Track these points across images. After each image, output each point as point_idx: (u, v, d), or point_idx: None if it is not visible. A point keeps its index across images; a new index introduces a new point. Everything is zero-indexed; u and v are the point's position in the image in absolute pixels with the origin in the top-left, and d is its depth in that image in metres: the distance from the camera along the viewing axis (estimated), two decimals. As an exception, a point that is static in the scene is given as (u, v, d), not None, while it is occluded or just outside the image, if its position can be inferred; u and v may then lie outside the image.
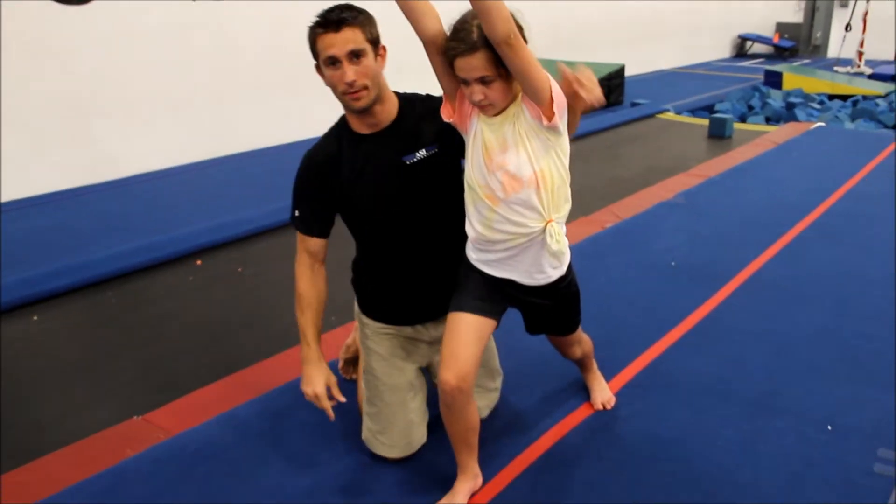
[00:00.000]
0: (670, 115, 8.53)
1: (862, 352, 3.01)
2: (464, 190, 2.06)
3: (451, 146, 2.16)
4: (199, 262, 4.23)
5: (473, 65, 1.84)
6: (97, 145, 5.73)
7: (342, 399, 2.20)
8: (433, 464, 2.35)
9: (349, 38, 2.01)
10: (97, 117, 5.69)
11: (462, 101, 1.99)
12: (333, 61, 2.03)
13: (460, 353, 2.05)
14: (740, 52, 15.92)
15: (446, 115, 2.04)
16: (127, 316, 3.64)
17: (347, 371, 2.83)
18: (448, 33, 1.88)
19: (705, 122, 7.96)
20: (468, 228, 2.09)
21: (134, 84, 5.89)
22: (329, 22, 2.02)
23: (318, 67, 2.11)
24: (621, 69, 9.17)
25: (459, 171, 2.15)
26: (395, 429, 2.33)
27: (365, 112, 2.11)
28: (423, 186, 2.19)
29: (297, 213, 2.25)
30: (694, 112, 9.17)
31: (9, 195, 5.23)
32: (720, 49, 15.41)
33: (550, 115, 1.87)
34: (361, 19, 2.05)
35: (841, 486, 2.23)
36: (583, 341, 2.52)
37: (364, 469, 2.34)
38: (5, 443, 2.67)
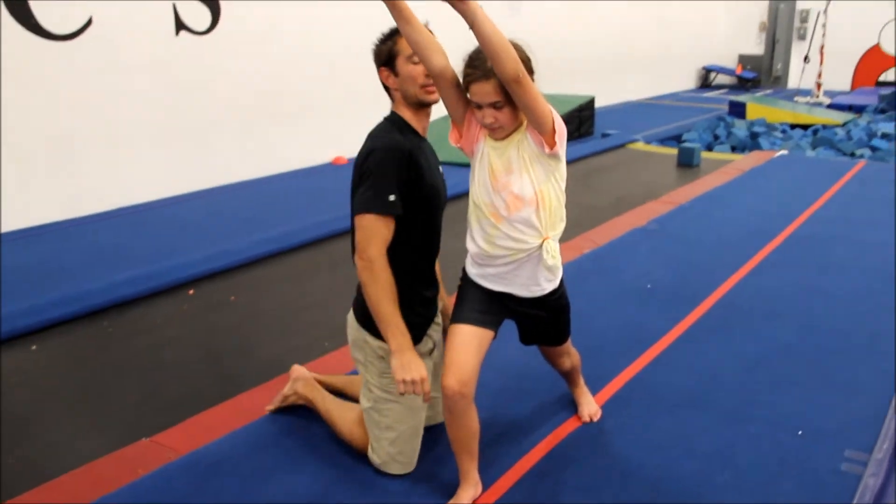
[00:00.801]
0: (640, 145, 8.84)
1: (827, 364, 3.25)
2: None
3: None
4: (191, 292, 4.37)
5: (487, 90, 2.08)
6: (83, 178, 5.84)
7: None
8: (434, 473, 2.51)
9: None
10: (82, 150, 5.81)
11: (469, 126, 2.22)
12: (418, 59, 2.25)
13: (462, 361, 2.23)
14: (705, 83, 16.45)
15: (453, 139, 2.27)
16: (125, 344, 3.76)
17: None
18: (463, 63, 2.12)
19: (674, 151, 8.28)
20: (469, 244, 2.30)
21: (119, 117, 6.02)
22: None
23: (387, 70, 2.36)
24: (591, 101, 9.49)
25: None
26: (412, 448, 2.48)
27: (428, 108, 2.39)
28: (446, 192, 2.50)
29: (391, 197, 2.23)
30: (663, 142, 9.51)
31: (-5, 228, 5.32)
32: (686, 80, 15.90)
33: (552, 144, 2.12)
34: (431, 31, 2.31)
35: (813, 483, 2.43)
36: (572, 354, 2.71)
37: (369, 481, 2.48)
38: (13, 467, 2.77)
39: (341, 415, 2.67)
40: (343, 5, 7.37)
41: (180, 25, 6.37)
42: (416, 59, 2.26)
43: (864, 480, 2.43)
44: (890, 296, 3.98)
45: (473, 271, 2.36)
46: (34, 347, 3.70)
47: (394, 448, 2.46)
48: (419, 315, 2.44)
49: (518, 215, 2.17)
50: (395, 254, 2.32)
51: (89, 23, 5.72)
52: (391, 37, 2.35)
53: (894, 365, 3.21)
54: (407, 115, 2.40)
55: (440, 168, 2.49)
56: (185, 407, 3.10)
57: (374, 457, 2.50)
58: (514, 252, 2.22)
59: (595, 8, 11.55)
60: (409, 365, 2.22)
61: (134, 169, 6.20)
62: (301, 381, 2.87)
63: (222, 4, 6.63)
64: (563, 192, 2.23)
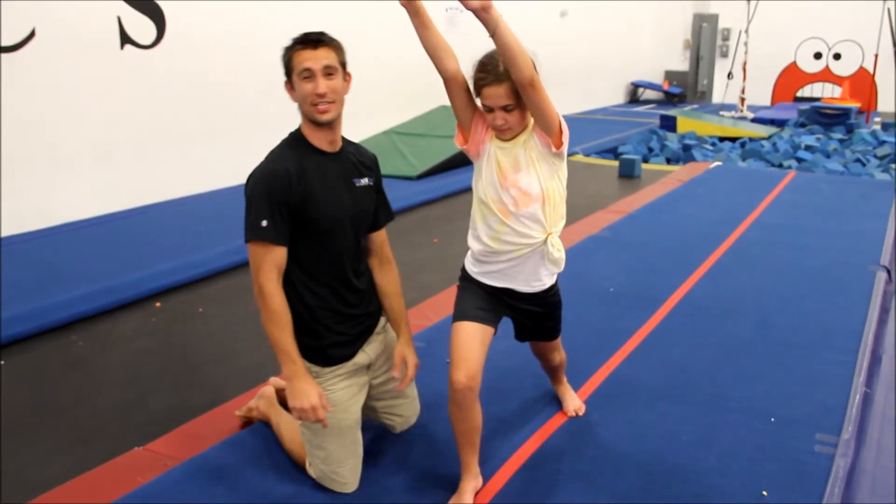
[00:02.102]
0: (581, 158, 9.14)
1: (789, 357, 3.49)
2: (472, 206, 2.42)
3: (376, 183, 2.57)
4: (158, 304, 4.37)
5: (499, 94, 2.23)
6: (24, 194, 5.73)
7: (330, 409, 2.36)
8: (434, 467, 2.62)
9: (324, 56, 2.31)
10: (24, 166, 5.69)
11: (475, 129, 2.36)
12: (309, 74, 2.29)
13: (469, 356, 2.35)
14: (633, 98, 17.01)
15: (459, 143, 2.41)
16: (98, 358, 3.74)
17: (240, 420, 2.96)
18: (474, 68, 2.27)
19: (614, 163, 8.60)
20: (473, 243, 2.43)
21: (60, 134, 5.94)
22: (308, 40, 2.31)
23: (288, 83, 2.37)
24: (530, 115, 9.71)
25: (380, 205, 2.58)
26: (347, 467, 2.48)
27: (326, 126, 2.37)
28: (364, 209, 2.51)
29: (264, 223, 2.26)
30: (600, 154, 9.84)
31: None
32: (615, 95, 16.41)
33: (559, 144, 2.28)
34: (336, 43, 2.37)
35: (790, 464, 2.64)
36: (560, 350, 2.86)
37: (370, 477, 2.56)
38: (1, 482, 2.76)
39: (288, 428, 2.71)
40: (288, 19, 7.44)
41: (125, 39, 6.33)
42: (305, 74, 2.29)
43: (836, 460, 2.65)
44: (832, 294, 4.28)
45: (475, 269, 2.48)
46: (2, 363, 3.65)
47: (326, 466, 2.47)
48: (343, 334, 2.48)
49: (526, 211, 2.32)
50: (304, 274, 2.40)
51: (31, 35, 5.64)
52: (290, 48, 2.33)
53: (850, 356, 3.47)
54: (307, 130, 2.40)
55: (356, 183, 2.46)
56: (171, 417, 3.13)
57: (311, 471, 2.53)
58: (520, 247, 2.36)
59: (526, 25, 11.86)
60: (300, 392, 2.29)
61: (77, 185, 6.10)
62: (264, 399, 2.91)
63: (168, 18, 6.62)
64: (565, 189, 2.39)
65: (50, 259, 5.05)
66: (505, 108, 2.26)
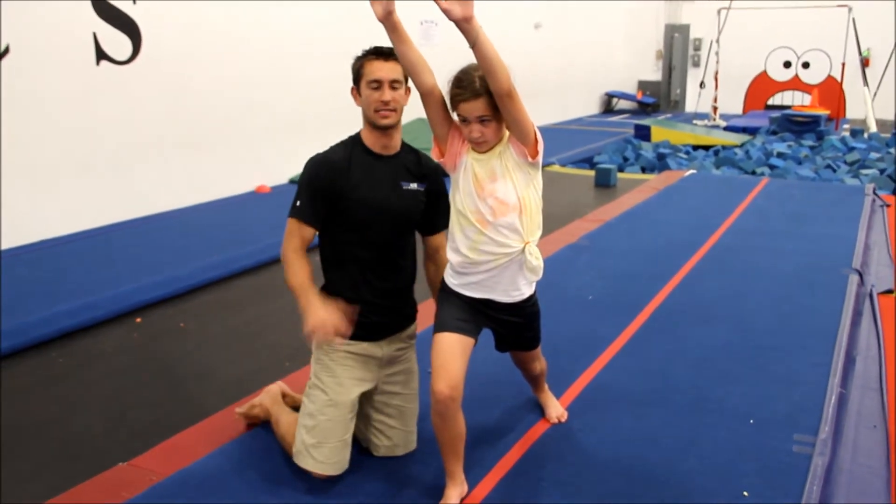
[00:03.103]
0: (557, 168, 9.22)
1: (766, 359, 3.54)
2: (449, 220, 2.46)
3: (431, 190, 2.65)
4: (138, 320, 4.35)
5: (476, 107, 2.27)
6: (2, 212, 5.69)
7: (347, 335, 2.39)
8: (420, 475, 2.63)
9: (392, 69, 2.47)
10: (1, 184, 5.66)
11: (452, 142, 2.40)
12: (378, 85, 2.45)
13: (450, 367, 2.37)
14: (608, 108, 17.17)
15: (436, 155, 2.46)
16: (79, 374, 3.72)
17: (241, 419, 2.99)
18: (450, 84, 2.31)
19: (590, 172, 8.68)
20: (451, 254, 2.46)
21: (38, 149, 5.91)
22: (381, 52, 2.48)
23: (354, 89, 2.54)
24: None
25: (435, 211, 2.65)
26: (330, 445, 2.52)
27: (386, 131, 2.53)
28: (407, 210, 2.60)
29: (298, 203, 2.52)
30: (576, 164, 9.93)
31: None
32: (589, 106, 16.56)
33: (535, 154, 2.33)
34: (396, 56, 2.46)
35: (769, 464, 2.68)
36: (541, 359, 2.89)
37: (355, 485, 2.57)
38: (-13, 499, 2.75)
39: (286, 420, 2.77)
40: (263, 34, 7.46)
41: (101, 55, 6.32)
42: (374, 84, 2.44)
43: (814, 460, 2.70)
44: (807, 298, 4.36)
45: (454, 282, 2.51)
46: (-17, 381, 3.63)
47: (310, 438, 2.53)
48: (363, 315, 2.53)
49: (503, 220, 2.35)
50: (337, 252, 2.60)
51: (6, 51, 5.61)
52: (362, 58, 2.51)
53: (825, 358, 3.53)
54: (365, 133, 2.58)
55: (403, 186, 2.58)
56: (154, 432, 3.12)
57: (294, 447, 2.60)
58: (498, 257, 2.39)
59: (500, 37, 11.95)
60: (314, 314, 2.36)
61: (55, 201, 6.06)
62: (270, 395, 2.96)
63: (143, 33, 6.61)
64: (540, 199, 2.43)
65: (28, 276, 5.00)
66: (481, 121, 2.29)
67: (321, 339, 2.39)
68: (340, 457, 2.56)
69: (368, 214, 2.53)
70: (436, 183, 2.67)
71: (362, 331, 2.57)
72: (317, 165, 2.54)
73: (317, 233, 2.57)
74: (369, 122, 2.54)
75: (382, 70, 2.45)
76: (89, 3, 6.17)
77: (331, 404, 2.54)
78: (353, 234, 2.56)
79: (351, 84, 2.56)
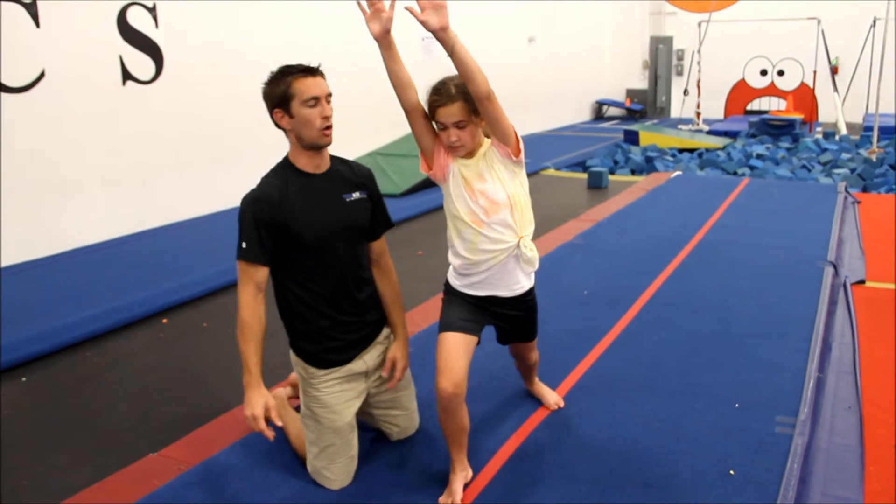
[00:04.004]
0: (551, 171, 9.20)
1: (750, 347, 3.53)
2: (446, 224, 2.45)
3: (371, 195, 2.54)
4: (165, 321, 4.35)
5: (452, 112, 2.27)
6: (37, 222, 5.70)
7: (278, 423, 2.31)
8: (427, 463, 2.63)
9: (324, 83, 2.34)
10: (36, 195, 5.68)
11: (437, 154, 2.39)
12: (316, 101, 2.29)
13: (453, 365, 2.36)
14: (598, 115, 17.13)
15: (424, 169, 2.44)
16: (110, 372, 3.73)
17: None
18: (428, 94, 2.31)
19: (583, 175, 8.66)
20: (452, 258, 2.46)
21: (70, 163, 5.92)
22: (307, 69, 2.32)
23: (279, 111, 2.32)
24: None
25: (377, 216, 2.57)
26: (338, 465, 2.49)
27: (321, 150, 2.38)
28: (356, 221, 2.49)
29: (244, 245, 2.32)
30: (570, 168, 9.91)
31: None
32: (581, 113, 16.52)
33: (518, 152, 2.34)
34: (323, 72, 2.37)
35: (754, 445, 2.68)
36: (536, 350, 2.88)
37: (365, 473, 2.57)
38: (24, 490, 2.75)
39: (294, 426, 2.72)
40: (276, 54, 7.46)
41: (127, 76, 6.33)
42: (311, 102, 2.29)
43: (795, 439, 2.69)
44: (786, 289, 4.34)
45: (457, 283, 2.50)
46: (24, 379, 3.64)
47: (318, 462, 2.49)
48: (338, 339, 2.47)
49: (497, 217, 2.35)
50: (299, 285, 2.42)
51: (42, 75, 5.64)
52: (283, 78, 2.30)
53: (803, 345, 3.52)
54: (295, 155, 2.40)
55: (346, 199, 2.44)
56: (180, 425, 3.13)
57: (308, 466, 2.55)
58: (496, 254, 2.38)
59: (496, 51, 11.94)
60: (250, 402, 2.30)
61: (85, 212, 6.08)
62: (277, 399, 2.91)
63: (165, 55, 6.62)
64: (528, 195, 2.43)
65: (62, 282, 5.02)
66: (457, 125, 2.29)
67: (253, 427, 2.31)
68: (350, 470, 2.53)
69: (321, 236, 2.38)
70: (373, 188, 2.56)
71: (340, 355, 2.49)
72: (256, 202, 2.32)
73: (267, 273, 2.38)
74: (307, 144, 2.35)
75: (317, 86, 2.29)
76: (116, 29, 6.19)
77: (329, 432, 2.47)
78: (310, 261, 2.40)
79: (274, 108, 2.33)
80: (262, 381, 2.36)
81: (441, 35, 2.12)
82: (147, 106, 6.54)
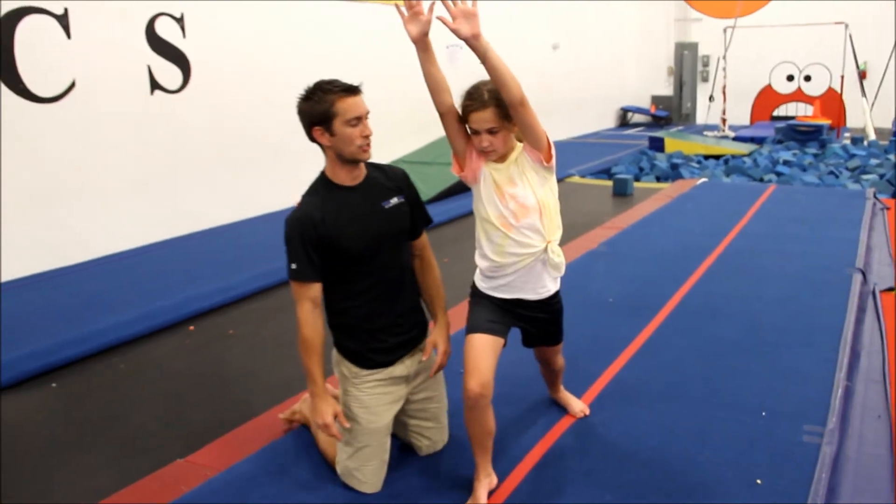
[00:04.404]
0: (576, 179, 9.19)
1: (776, 355, 3.50)
2: (476, 227, 2.47)
3: (408, 197, 2.57)
4: (192, 328, 4.40)
5: (484, 118, 2.30)
6: (68, 229, 5.80)
7: (346, 425, 2.44)
8: (452, 468, 2.64)
9: (363, 102, 2.38)
10: (67, 203, 5.77)
11: (470, 157, 2.42)
12: (358, 120, 2.33)
13: (481, 366, 2.38)
14: (623, 121, 17.07)
15: (456, 171, 2.47)
16: (137, 378, 3.78)
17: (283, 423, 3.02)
18: (462, 98, 2.34)
19: (608, 182, 8.63)
20: (480, 261, 2.48)
21: (100, 171, 6.02)
22: (350, 88, 2.35)
23: (321, 129, 2.35)
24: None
25: (416, 215, 2.59)
26: (371, 468, 2.52)
27: (356, 164, 2.43)
28: (397, 227, 2.53)
29: (294, 266, 2.39)
30: (595, 175, 9.88)
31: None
32: (606, 120, 16.48)
33: (549, 158, 2.35)
34: (362, 90, 2.40)
35: (781, 454, 2.65)
36: (561, 355, 2.89)
37: (392, 477, 2.58)
38: (55, 494, 2.79)
39: (324, 435, 2.73)
40: (301, 62, 7.54)
41: (155, 85, 6.43)
42: (354, 122, 2.32)
43: (823, 448, 2.66)
44: (814, 297, 4.30)
45: (484, 285, 2.52)
46: (54, 385, 3.70)
47: (351, 463, 2.52)
48: (383, 341, 2.52)
49: (525, 221, 2.37)
50: (346, 292, 2.49)
51: (72, 86, 5.74)
52: (325, 97, 2.32)
53: (832, 353, 3.48)
54: (332, 170, 2.45)
55: (385, 206, 2.48)
56: (207, 431, 3.15)
57: (338, 467, 2.58)
58: (523, 257, 2.40)
59: (522, 56, 11.96)
60: (317, 410, 2.40)
61: (115, 220, 6.16)
62: (307, 403, 2.94)
63: (192, 65, 6.72)
64: (557, 201, 2.44)
65: (91, 289, 5.09)
66: (490, 131, 2.31)
67: (325, 433, 2.43)
68: (381, 475, 2.55)
69: (365, 245, 2.43)
70: (409, 189, 2.59)
71: (384, 356, 2.53)
72: (300, 223, 2.38)
73: (321, 287, 2.45)
74: (345, 159, 2.39)
75: (358, 105, 2.33)
76: (144, 39, 6.29)
77: (366, 433, 2.50)
78: (355, 269, 2.46)
79: (313, 125, 2.36)
80: (328, 391, 2.45)
81: (473, 43, 2.15)
82: (174, 115, 6.63)
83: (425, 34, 2.26)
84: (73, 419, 3.39)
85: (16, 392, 3.63)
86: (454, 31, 2.15)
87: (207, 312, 4.64)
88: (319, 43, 7.92)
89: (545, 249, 2.41)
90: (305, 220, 2.38)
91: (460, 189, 7.79)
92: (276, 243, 6.34)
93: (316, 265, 2.41)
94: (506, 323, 2.51)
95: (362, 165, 2.48)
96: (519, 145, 2.40)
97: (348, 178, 2.45)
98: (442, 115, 2.38)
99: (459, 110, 2.37)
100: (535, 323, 2.59)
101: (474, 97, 2.32)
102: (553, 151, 2.35)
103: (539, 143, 2.32)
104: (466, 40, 2.15)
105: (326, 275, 2.46)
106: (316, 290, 2.43)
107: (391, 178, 2.56)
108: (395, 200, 2.51)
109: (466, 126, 2.39)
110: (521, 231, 2.37)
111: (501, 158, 2.39)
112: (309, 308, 2.41)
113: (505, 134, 2.34)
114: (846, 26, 13.03)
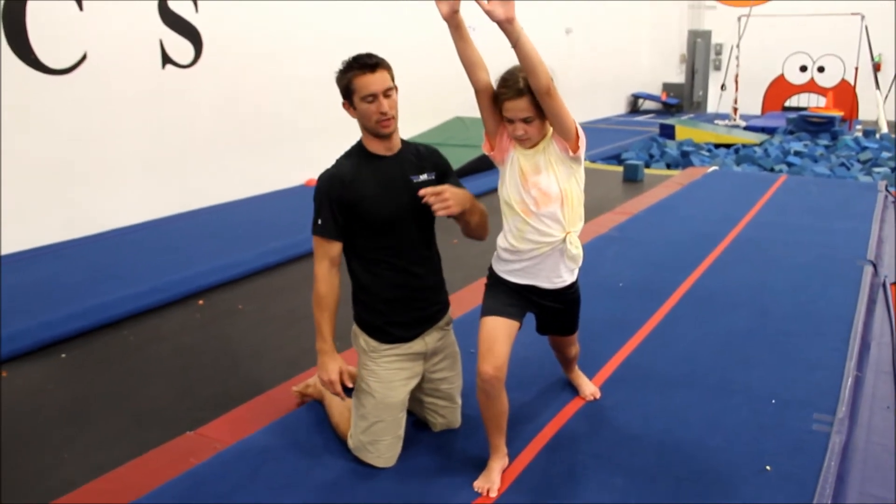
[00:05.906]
0: (587, 164, 9.09)
1: (786, 345, 3.49)
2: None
3: (440, 174, 2.55)
4: (201, 302, 4.41)
5: (519, 107, 2.26)
6: (78, 202, 5.80)
7: (349, 384, 2.46)
8: (465, 448, 2.64)
9: (383, 79, 2.37)
10: (77, 176, 5.76)
11: (501, 138, 2.39)
12: (373, 97, 2.35)
13: (495, 349, 2.37)
14: (634, 108, 16.98)
15: (486, 149, 2.44)
16: (147, 351, 3.79)
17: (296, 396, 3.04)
18: (497, 83, 2.30)
19: (618, 168, 8.59)
20: (500, 240, 2.46)
21: (110, 145, 6.00)
22: (366, 65, 2.35)
23: (346, 103, 2.43)
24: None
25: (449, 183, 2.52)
26: (385, 442, 2.53)
27: (387, 137, 2.45)
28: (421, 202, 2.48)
29: (319, 221, 2.44)
30: (605, 160, 9.84)
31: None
32: (616, 106, 16.40)
33: (576, 148, 2.31)
34: (386, 63, 2.40)
35: (790, 442, 2.65)
36: (576, 344, 2.88)
37: (406, 456, 2.59)
38: (68, 462, 2.82)
39: (338, 405, 2.76)
40: (313, 39, 7.50)
41: (166, 59, 6.40)
42: (370, 98, 2.34)
43: (833, 437, 2.66)
44: (824, 287, 4.28)
45: (500, 268, 2.50)
46: (63, 356, 3.71)
47: (365, 437, 2.52)
48: (401, 315, 2.52)
49: (546, 210, 2.34)
50: (366, 261, 2.51)
51: (84, 58, 5.72)
52: (346, 73, 2.38)
53: (842, 343, 3.47)
54: (366, 140, 2.49)
55: (414, 180, 2.47)
56: (216, 404, 3.17)
57: (351, 441, 2.59)
58: (541, 245, 2.38)
59: (534, 40, 11.86)
60: (325, 367, 2.44)
61: (124, 193, 6.17)
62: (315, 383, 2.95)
63: (204, 40, 6.69)
64: (582, 192, 2.40)
65: (101, 262, 5.10)
66: (524, 120, 2.28)
67: (328, 390, 2.48)
68: (395, 450, 2.56)
69: (388, 215, 2.45)
70: (442, 165, 2.58)
71: (403, 331, 2.54)
72: (329, 180, 2.44)
73: (341, 248, 2.49)
74: (370, 133, 2.46)
75: (374, 82, 2.34)
76: (157, 13, 6.26)
77: (382, 407, 2.51)
78: (378, 238, 2.48)
79: (343, 99, 2.43)
80: (336, 348, 2.46)
81: (506, 27, 2.10)
82: (186, 90, 6.61)
83: (455, 11, 2.21)
84: (82, 391, 3.40)
85: (25, 362, 3.65)
86: (488, 13, 2.10)
87: (217, 287, 4.65)
88: (333, 20, 7.86)
89: (564, 240, 2.39)
90: (335, 179, 2.44)
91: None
92: (286, 220, 6.38)
93: (339, 224, 2.45)
94: (521, 307, 2.50)
95: (397, 139, 2.51)
96: (549, 132, 2.36)
97: (381, 147, 2.48)
98: (477, 93, 2.34)
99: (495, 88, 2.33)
100: (548, 311, 2.57)
101: (509, 84, 2.27)
102: (581, 143, 2.31)
103: (567, 132, 2.28)
104: (500, 23, 2.10)
105: (350, 244, 2.49)
106: (336, 249, 2.47)
107: (423, 156, 2.57)
108: (424, 177, 2.52)
109: (501, 112, 2.35)
110: (540, 219, 2.35)
111: (532, 145, 2.37)
112: (326, 266, 2.45)
113: (539, 123, 2.30)
114: (862, 17, 12.92)
